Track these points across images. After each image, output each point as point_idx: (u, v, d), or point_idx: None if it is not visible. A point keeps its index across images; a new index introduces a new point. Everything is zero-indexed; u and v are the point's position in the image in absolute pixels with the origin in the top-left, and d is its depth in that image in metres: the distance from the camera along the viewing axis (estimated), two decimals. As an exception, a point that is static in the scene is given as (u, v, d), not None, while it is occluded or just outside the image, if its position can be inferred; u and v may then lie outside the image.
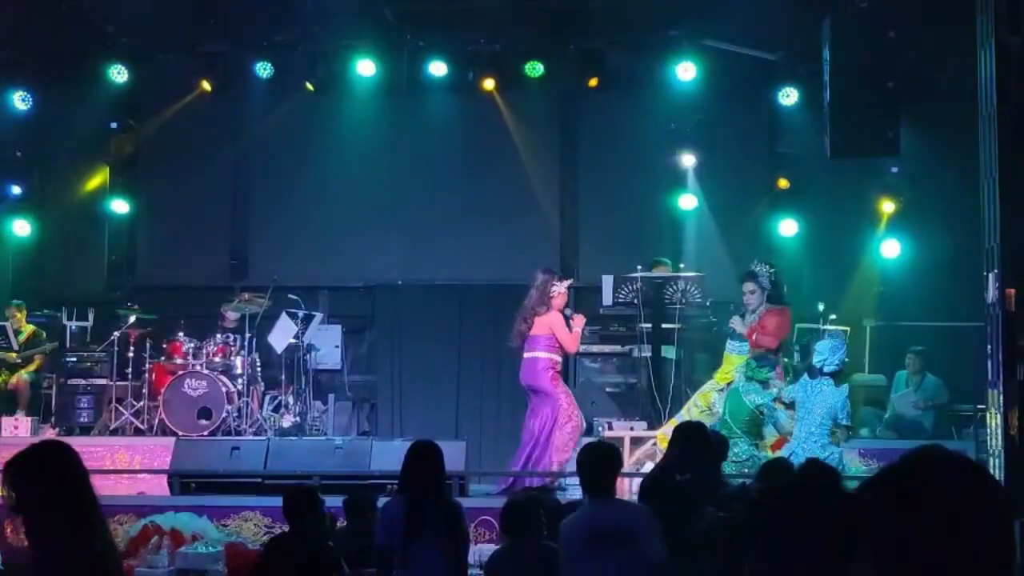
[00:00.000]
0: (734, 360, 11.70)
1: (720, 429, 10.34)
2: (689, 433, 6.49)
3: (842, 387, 10.65)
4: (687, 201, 15.58)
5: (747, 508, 2.83)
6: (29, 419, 13.76)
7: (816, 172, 15.10)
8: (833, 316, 13.68)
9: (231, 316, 14.53)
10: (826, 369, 10.55)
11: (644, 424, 12.62)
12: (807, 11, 13.60)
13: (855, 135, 12.70)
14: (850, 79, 12.48)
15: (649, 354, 13.17)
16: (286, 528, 7.29)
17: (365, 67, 15.62)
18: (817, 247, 15.47)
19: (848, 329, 13.78)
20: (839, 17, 12.52)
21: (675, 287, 13.18)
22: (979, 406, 12.36)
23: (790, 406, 10.81)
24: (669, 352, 13.27)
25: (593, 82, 15.56)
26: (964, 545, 2.17)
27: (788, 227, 15.44)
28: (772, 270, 11.91)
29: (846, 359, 10.89)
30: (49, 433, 13.65)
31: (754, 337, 11.58)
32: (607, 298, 13.54)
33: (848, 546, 2.49)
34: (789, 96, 15.20)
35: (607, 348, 14.62)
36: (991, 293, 9.41)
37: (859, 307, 14.85)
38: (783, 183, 15.49)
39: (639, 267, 13.26)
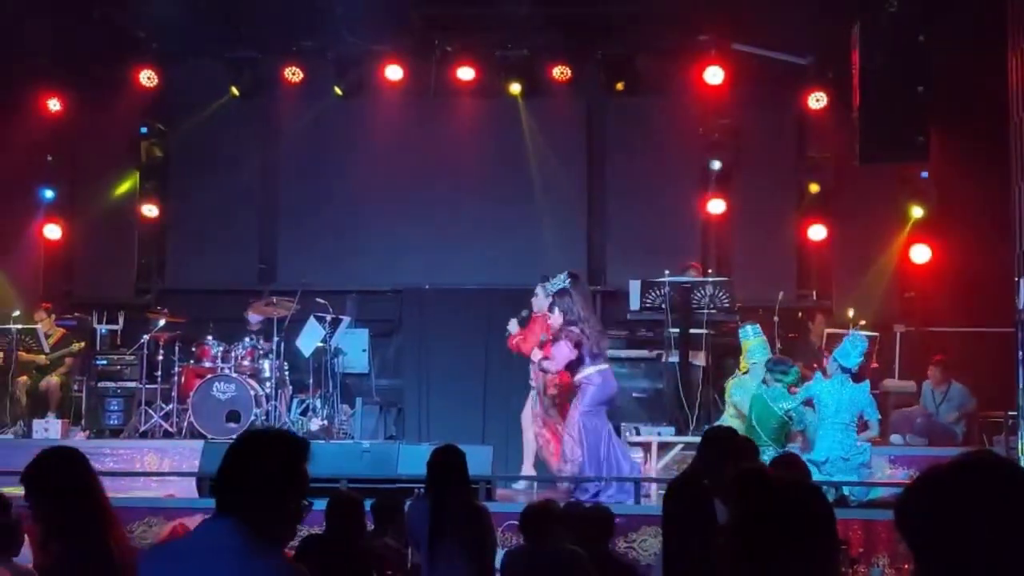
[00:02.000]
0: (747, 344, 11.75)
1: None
2: (716, 437, 6.47)
3: (864, 383, 10.67)
4: (715, 206, 15.53)
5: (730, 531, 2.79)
6: (59, 421, 13.83)
7: (845, 177, 15.05)
8: (863, 321, 13.62)
9: (254, 320, 14.58)
10: (844, 363, 10.56)
11: (672, 430, 12.58)
12: (837, 15, 13.56)
13: (885, 140, 12.67)
14: (880, 83, 12.45)
15: (677, 359, 13.13)
16: (313, 530, 7.30)
17: (393, 72, 15.69)
18: (846, 252, 15.41)
19: (877, 334, 13.72)
20: (869, 21, 12.49)
21: (703, 292, 13.15)
22: (1010, 412, 12.32)
23: (808, 403, 10.83)
24: (697, 358, 13.24)
25: (620, 87, 15.56)
26: (1017, 552, 2.13)
27: (817, 232, 15.37)
28: (567, 280, 11.87)
29: (862, 359, 10.89)
30: (79, 436, 13.72)
31: (515, 341, 12.18)
32: (634, 303, 13.52)
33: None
34: (818, 100, 15.12)
35: (634, 353, 14.57)
36: (1022, 299, 9.38)
37: (888, 312, 14.78)
38: (813, 188, 15.41)
39: (667, 272, 13.24)
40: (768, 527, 2.63)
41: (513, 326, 12.48)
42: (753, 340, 11.78)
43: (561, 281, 11.88)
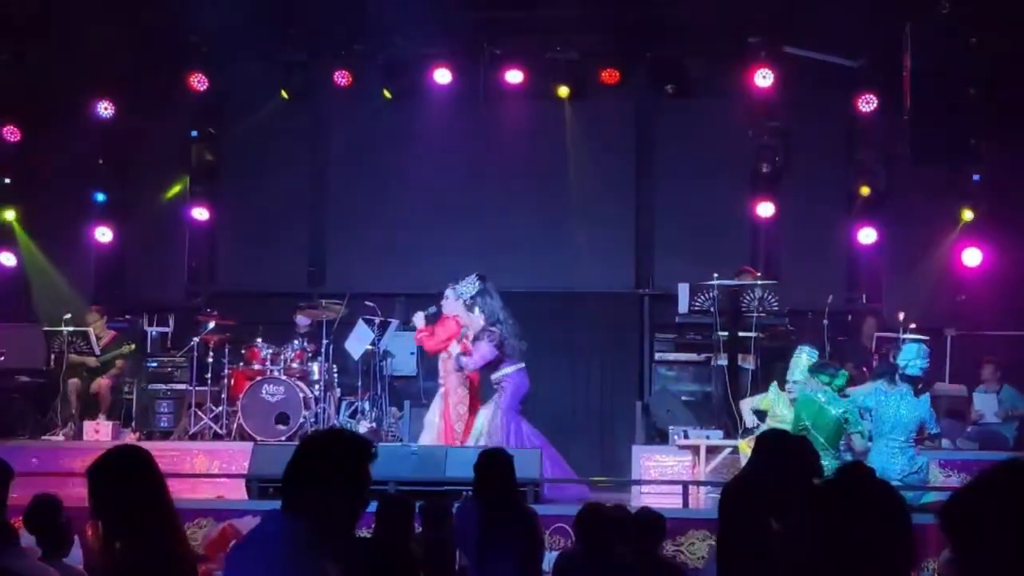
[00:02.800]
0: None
1: None
2: (769, 441, 6.41)
3: (924, 396, 10.51)
4: (764, 209, 15.44)
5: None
6: (110, 423, 13.95)
7: (896, 180, 14.93)
8: (913, 325, 13.50)
9: (303, 322, 14.65)
10: (908, 372, 10.40)
11: (720, 433, 12.53)
12: (888, 17, 13.46)
13: (936, 142, 12.58)
14: (931, 86, 12.34)
15: (725, 363, 13.06)
16: (362, 533, 7.30)
17: (442, 75, 15.71)
18: (897, 255, 15.28)
19: (928, 338, 13.60)
20: (920, 23, 12.39)
21: (752, 295, 13.09)
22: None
23: (863, 414, 10.68)
24: (746, 361, 13.17)
25: (669, 89, 15.50)
26: None
27: (867, 235, 15.24)
28: (478, 283, 12.39)
29: (927, 367, 10.75)
30: (130, 437, 13.84)
31: (420, 336, 12.57)
32: (683, 306, 13.47)
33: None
34: (869, 103, 14.99)
35: (683, 356, 14.55)
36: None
37: (939, 316, 14.63)
38: (863, 190, 15.28)
39: (715, 275, 13.18)
40: (858, 541, 2.58)
41: (420, 320, 12.86)
42: (805, 362, 11.52)
43: (471, 283, 12.47)
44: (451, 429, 12.46)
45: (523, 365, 12.40)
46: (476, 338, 12.28)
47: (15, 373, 15.07)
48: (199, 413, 14.16)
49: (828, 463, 10.59)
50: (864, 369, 13.19)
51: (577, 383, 15.21)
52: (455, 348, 12.48)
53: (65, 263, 16.16)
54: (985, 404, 13.60)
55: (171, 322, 15.52)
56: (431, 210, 15.84)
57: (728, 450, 12.02)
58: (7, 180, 16.38)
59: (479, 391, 12.71)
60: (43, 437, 14.08)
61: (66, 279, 16.03)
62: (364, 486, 3.43)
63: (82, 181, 16.12)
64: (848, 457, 10.64)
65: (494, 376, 12.32)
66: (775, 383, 11.59)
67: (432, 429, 12.61)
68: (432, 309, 12.87)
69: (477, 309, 12.33)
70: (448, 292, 12.67)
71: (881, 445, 10.41)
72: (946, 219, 15.01)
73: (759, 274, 14.08)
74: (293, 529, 3.27)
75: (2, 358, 14.69)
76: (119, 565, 3.70)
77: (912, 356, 10.52)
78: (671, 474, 12.38)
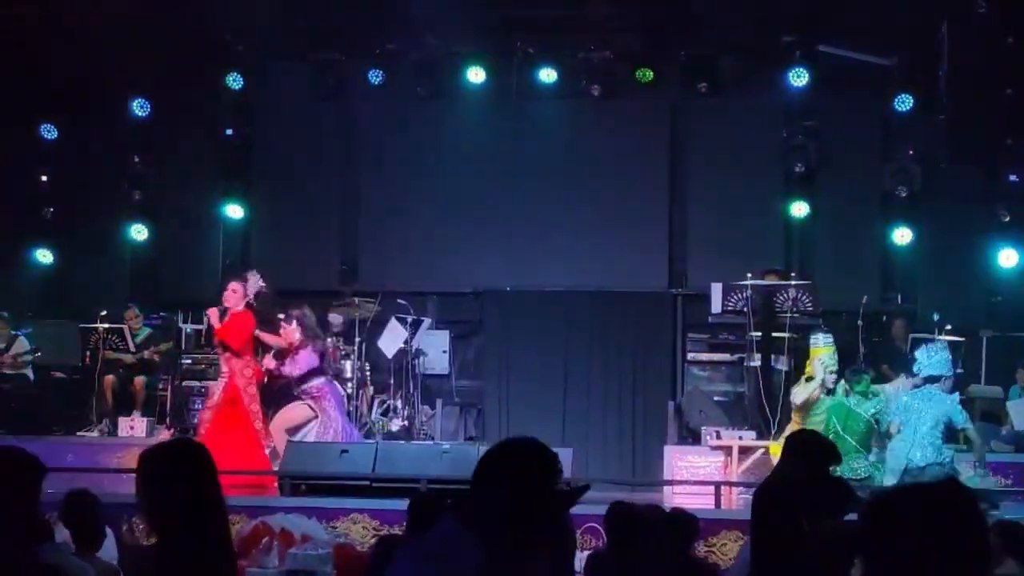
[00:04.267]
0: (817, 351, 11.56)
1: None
2: (800, 442, 6.38)
3: (953, 395, 10.49)
4: (798, 208, 15.37)
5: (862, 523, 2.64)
6: (145, 420, 14.04)
7: (932, 179, 14.84)
8: (948, 326, 13.42)
9: (336, 320, 14.69)
10: (922, 373, 10.42)
11: (753, 434, 12.49)
12: (924, 16, 13.38)
13: (972, 142, 12.50)
14: (968, 85, 12.27)
15: (758, 363, 13.01)
16: (394, 531, 7.33)
17: (475, 74, 15.73)
18: (932, 256, 15.18)
19: (963, 339, 13.52)
20: (957, 22, 12.31)
21: (785, 295, 13.02)
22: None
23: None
24: (779, 362, 13.11)
25: (703, 88, 15.45)
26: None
27: (902, 235, 15.14)
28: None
29: (950, 367, 10.70)
30: (164, 434, 13.90)
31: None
32: (716, 306, 13.41)
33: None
34: (904, 102, 14.90)
35: (716, 356, 14.52)
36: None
37: (975, 317, 14.53)
38: (898, 191, 15.17)
39: (749, 275, 13.13)
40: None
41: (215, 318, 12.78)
42: (824, 348, 11.55)
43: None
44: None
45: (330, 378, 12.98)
46: (300, 345, 12.70)
47: (51, 369, 15.20)
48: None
49: (860, 464, 10.58)
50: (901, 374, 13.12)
51: (609, 382, 15.18)
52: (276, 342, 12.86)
53: (101, 260, 16.29)
54: (1017, 410, 13.47)
55: (205, 319, 15.58)
56: (464, 209, 15.85)
57: (761, 451, 11.98)
58: (44, 178, 16.53)
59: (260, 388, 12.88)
60: (78, 433, 14.20)
61: (102, 277, 16.15)
62: (548, 505, 3.23)
63: (118, 179, 16.24)
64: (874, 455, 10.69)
65: (308, 385, 12.73)
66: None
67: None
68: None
69: (295, 322, 12.75)
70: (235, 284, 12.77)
71: (907, 434, 10.41)
72: (982, 219, 14.91)
73: (793, 274, 14.00)
74: (478, 549, 3.14)
75: (39, 354, 14.81)
76: (160, 560, 3.69)
77: (923, 359, 10.54)
78: (703, 474, 12.34)
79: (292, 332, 12.56)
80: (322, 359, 12.64)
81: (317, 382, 12.68)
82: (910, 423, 10.44)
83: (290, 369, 12.68)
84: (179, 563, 3.62)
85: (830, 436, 10.29)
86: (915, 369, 10.69)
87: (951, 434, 10.68)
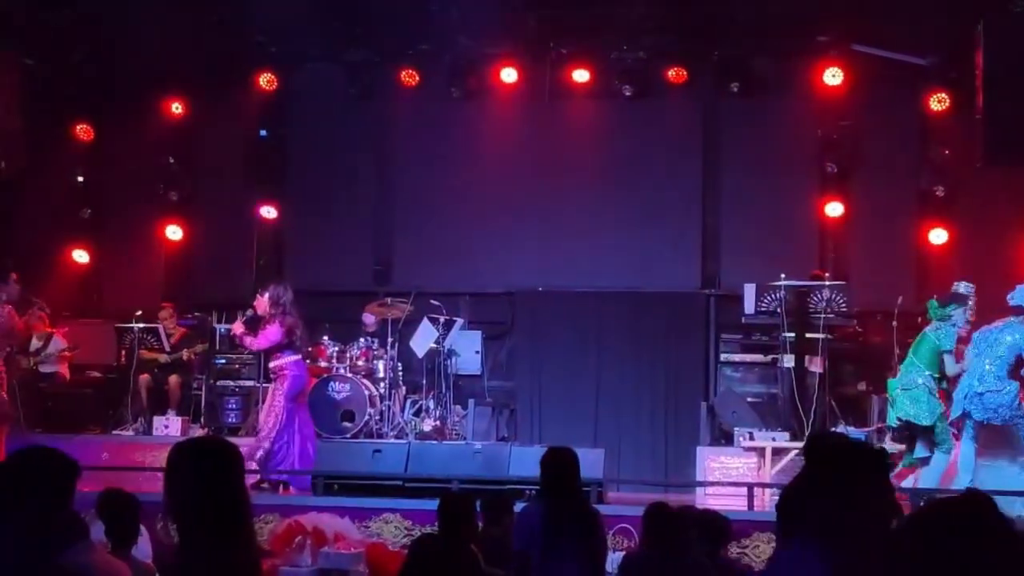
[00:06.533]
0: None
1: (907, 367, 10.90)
2: (820, 445, 6.35)
3: None
4: (833, 209, 15.29)
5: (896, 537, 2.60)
6: (179, 419, 14.13)
7: (968, 179, 14.73)
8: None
9: (369, 320, 14.74)
10: (1012, 303, 10.74)
11: (786, 435, 12.44)
12: (960, 15, 13.29)
13: (1009, 141, 12.41)
14: (1004, 84, 12.18)
15: (792, 364, 12.95)
16: (426, 530, 7.34)
17: (508, 75, 15.75)
18: (968, 257, 15.05)
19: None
20: (993, 20, 12.23)
21: (819, 296, 12.97)
22: None
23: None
24: (813, 363, 13.04)
25: (736, 88, 15.39)
26: None
27: (938, 235, 15.04)
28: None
29: None
30: (198, 433, 13.97)
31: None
32: (749, 307, 13.37)
33: None
34: (940, 102, 14.79)
35: (749, 357, 14.48)
36: None
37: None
38: (934, 190, 15.06)
39: (782, 275, 13.08)
40: None
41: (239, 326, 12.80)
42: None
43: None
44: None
45: (300, 357, 12.53)
46: (268, 319, 12.38)
47: (86, 368, 15.33)
48: (266, 410, 14.26)
49: (919, 377, 10.62)
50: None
51: (642, 383, 15.14)
52: (238, 327, 12.76)
53: (136, 260, 16.41)
54: None
55: (239, 319, 15.65)
56: (496, 209, 15.85)
57: (794, 452, 11.92)
58: (80, 178, 16.66)
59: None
60: (113, 432, 14.30)
61: (137, 276, 16.26)
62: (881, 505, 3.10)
63: (153, 179, 16.34)
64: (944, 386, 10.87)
65: (274, 363, 12.46)
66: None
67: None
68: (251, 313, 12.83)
69: (267, 295, 12.41)
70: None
71: (975, 365, 10.49)
72: (1018, 220, 14.78)
73: (827, 274, 13.92)
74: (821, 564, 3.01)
75: (77, 350, 14.94)
76: (185, 561, 3.69)
77: (1018, 290, 10.68)
78: (736, 476, 12.31)
79: (263, 303, 12.44)
80: (290, 335, 12.41)
81: (285, 359, 12.35)
82: (977, 356, 10.58)
83: (251, 341, 12.55)
84: (201, 561, 3.61)
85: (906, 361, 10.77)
86: (1007, 299, 10.88)
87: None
